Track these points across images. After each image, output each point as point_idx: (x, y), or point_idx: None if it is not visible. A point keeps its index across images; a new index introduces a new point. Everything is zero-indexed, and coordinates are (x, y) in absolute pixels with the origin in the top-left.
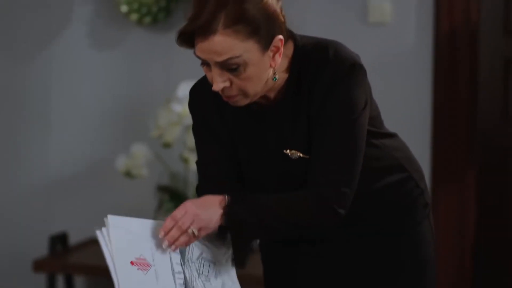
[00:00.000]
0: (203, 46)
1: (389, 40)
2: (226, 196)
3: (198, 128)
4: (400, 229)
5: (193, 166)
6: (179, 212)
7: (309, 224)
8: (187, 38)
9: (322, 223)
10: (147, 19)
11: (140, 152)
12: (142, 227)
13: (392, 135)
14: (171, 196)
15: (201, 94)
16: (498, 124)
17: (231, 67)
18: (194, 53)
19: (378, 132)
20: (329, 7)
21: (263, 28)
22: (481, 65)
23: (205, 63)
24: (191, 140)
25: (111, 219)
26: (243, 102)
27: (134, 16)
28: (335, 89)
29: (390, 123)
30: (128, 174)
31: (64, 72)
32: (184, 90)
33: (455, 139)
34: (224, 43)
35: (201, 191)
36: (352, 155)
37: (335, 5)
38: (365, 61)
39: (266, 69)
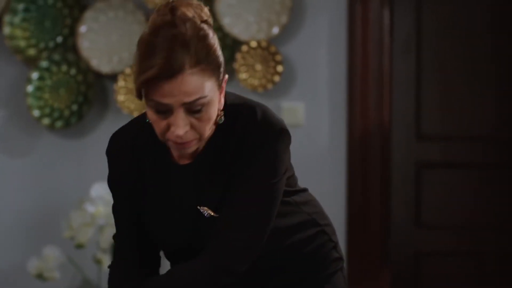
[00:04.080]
0: (170, 88)
1: (303, 141)
2: None
3: (114, 180)
4: (314, 283)
5: (106, 268)
6: None
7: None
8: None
9: (219, 284)
10: (59, 124)
11: (52, 254)
12: None
13: (303, 190)
14: None
15: (121, 144)
16: (411, 229)
17: (196, 108)
18: (151, 100)
19: (291, 190)
20: None
21: (219, 67)
22: (394, 168)
23: (162, 111)
24: (104, 241)
25: None
26: (195, 147)
27: (46, 121)
28: (262, 151)
29: None
30: (40, 277)
31: None
32: (97, 190)
33: (369, 242)
34: (194, 82)
35: (117, 242)
36: (264, 219)
37: None
38: None
39: (217, 110)
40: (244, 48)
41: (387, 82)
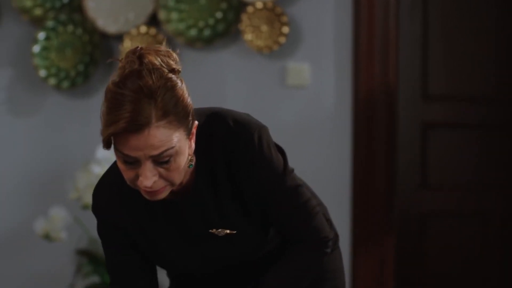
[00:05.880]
0: (136, 142)
1: (308, 102)
2: None
3: (106, 232)
4: None
5: None
6: None
7: (318, 271)
8: (110, 139)
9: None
10: (65, 84)
11: (59, 215)
12: None
13: None
14: (90, 260)
15: (107, 197)
16: (416, 189)
17: (164, 159)
18: (118, 151)
19: None
20: (248, 70)
21: (187, 115)
22: (400, 129)
23: (129, 162)
24: None
25: None
26: (166, 193)
27: (52, 81)
28: (256, 156)
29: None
30: (47, 237)
31: None
32: (102, 152)
33: (374, 204)
34: (161, 135)
35: None
36: (305, 197)
37: (254, 68)
38: (284, 123)
39: (187, 156)
40: (250, 9)
41: (393, 43)
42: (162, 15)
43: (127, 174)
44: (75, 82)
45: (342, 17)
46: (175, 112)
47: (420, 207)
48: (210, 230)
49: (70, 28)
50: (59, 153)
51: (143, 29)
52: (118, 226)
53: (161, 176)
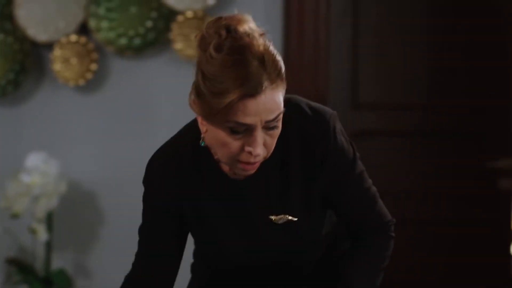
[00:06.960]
0: (255, 107)
1: None
2: None
3: (153, 202)
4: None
5: (41, 237)
6: None
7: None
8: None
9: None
10: None
11: None
12: None
13: None
14: (19, 269)
15: (163, 175)
16: None
17: (274, 124)
18: (230, 121)
19: None
20: (178, 79)
21: (284, 80)
22: None
23: (240, 131)
24: (39, 211)
25: None
26: (256, 168)
27: None
28: (332, 143)
29: None
30: None
31: None
32: (32, 161)
33: None
34: (274, 98)
35: (140, 262)
36: (369, 183)
37: (184, 77)
38: None
39: None
40: (180, 18)
41: (323, 51)
42: (92, 23)
43: (230, 147)
44: (5, 91)
45: (272, 25)
46: (280, 75)
47: None
48: (269, 216)
49: (0, 36)
50: None
51: (73, 37)
52: (169, 203)
53: (264, 144)
